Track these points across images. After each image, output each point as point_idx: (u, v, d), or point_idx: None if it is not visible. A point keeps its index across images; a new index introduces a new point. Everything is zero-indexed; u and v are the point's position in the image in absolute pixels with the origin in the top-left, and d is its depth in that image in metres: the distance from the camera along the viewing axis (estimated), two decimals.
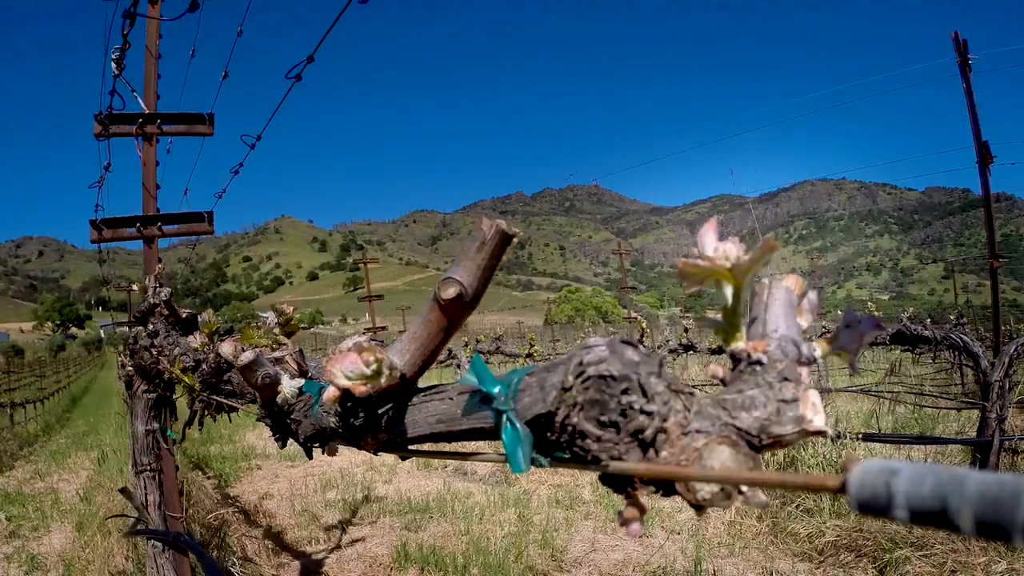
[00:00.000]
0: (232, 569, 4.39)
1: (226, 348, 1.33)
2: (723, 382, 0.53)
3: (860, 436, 5.38)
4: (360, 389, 0.78)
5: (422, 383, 0.85)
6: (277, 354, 1.29)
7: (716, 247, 0.52)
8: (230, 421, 2.41)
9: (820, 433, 0.49)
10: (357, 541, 5.11)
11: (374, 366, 0.77)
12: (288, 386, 1.18)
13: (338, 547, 5.01)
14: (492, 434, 0.65)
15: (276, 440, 1.26)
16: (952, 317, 8.64)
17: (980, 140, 5.81)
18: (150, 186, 4.27)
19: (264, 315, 1.78)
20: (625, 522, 0.53)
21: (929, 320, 7.19)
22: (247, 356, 1.21)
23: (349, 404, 0.87)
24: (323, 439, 1.12)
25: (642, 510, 0.53)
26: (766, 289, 0.62)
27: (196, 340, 1.99)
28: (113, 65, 4.31)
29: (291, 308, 1.73)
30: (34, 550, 5.08)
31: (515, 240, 0.73)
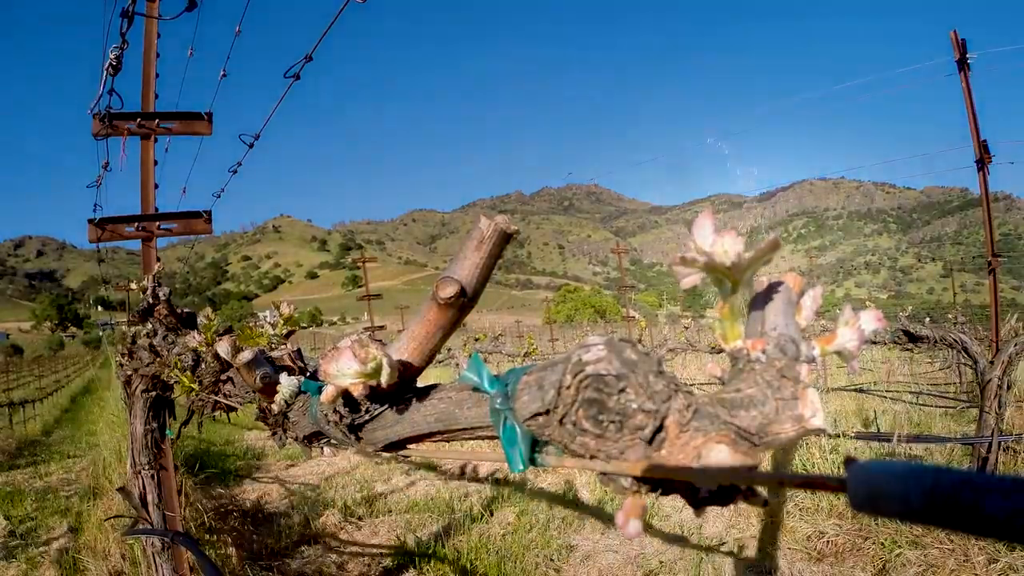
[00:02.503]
0: (230, 569, 4.39)
1: (223, 347, 1.33)
2: (722, 381, 0.53)
3: (858, 435, 5.38)
4: (358, 388, 0.78)
5: (420, 382, 0.85)
6: (275, 353, 1.29)
7: (713, 240, 0.52)
8: (229, 421, 2.40)
9: (819, 431, 0.49)
10: (356, 541, 5.11)
11: (372, 365, 0.77)
12: (287, 385, 1.17)
13: (337, 547, 5.01)
14: (491, 433, 0.65)
15: (275, 439, 1.26)
16: (950, 316, 8.65)
17: (979, 139, 5.81)
18: (149, 185, 4.27)
19: (263, 314, 1.78)
20: (624, 522, 0.53)
21: (928, 319, 7.20)
22: (246, 355, 1.21)
23: (348, 403, 0.87)
24: (322, 438, 1.11)
25: (641, 509, 0.53)
26: (765, 286, 0.61)
27: (194, 339, 1.99)
28: (111, 64, 4.31)
29: (290, 307, 1.73)
30: (32, 550, 5.08)
31: (515, 238, 0.73)
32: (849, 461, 0.36)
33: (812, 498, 4.79)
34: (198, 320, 2.12)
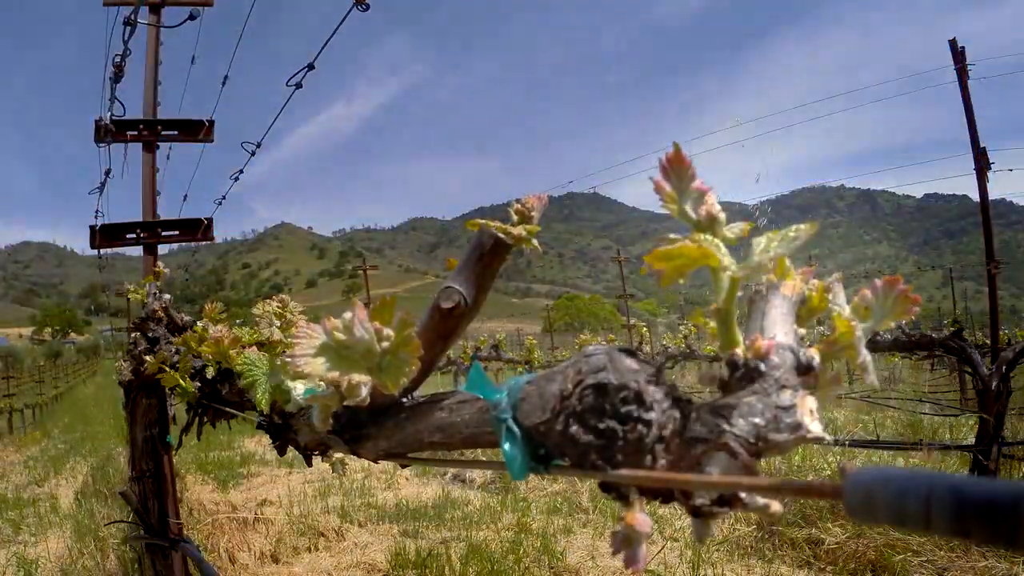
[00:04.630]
0: (229, 574, 4.37)
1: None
2: (721, 389, 0.53)
3: (858, 443, 5.37)
4: (360, 397, 0.78)
5: (422, 391, 0.85)
6: (277, 361, 1.29)
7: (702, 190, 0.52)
8: (229, 428, 2.40)
9: (818, 440, 0.49)
10: (355, 547, 5.09)
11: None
12: (296, 392, 1.17)
13: (336, 553, 4.99)
14: (491, 442, 0.65)
15: (276, 447, 1.26)
16: (947, 321, 8.65)
17: (978, 147, 5.83)
18: (149, 192, 4.28)
19: (257, 312, 1.76)
20: (624, 541, 0.53)
21: (928, 326, 7.19)
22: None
23: (348, 412, 0.87)
24: (322, 446, 1.12)
25: (639, 524, 0.53)
26: (763, 294, 0.62)
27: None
28: (113, 71, 4.33)
29: (295, 307, 1.72)
30: (31, 556, 5.07)
31: (524, 245, 0.73)
32: (844, 469, 0.36)
33: (812, 505, 4.77)
34: (198, 325, 2.12)
